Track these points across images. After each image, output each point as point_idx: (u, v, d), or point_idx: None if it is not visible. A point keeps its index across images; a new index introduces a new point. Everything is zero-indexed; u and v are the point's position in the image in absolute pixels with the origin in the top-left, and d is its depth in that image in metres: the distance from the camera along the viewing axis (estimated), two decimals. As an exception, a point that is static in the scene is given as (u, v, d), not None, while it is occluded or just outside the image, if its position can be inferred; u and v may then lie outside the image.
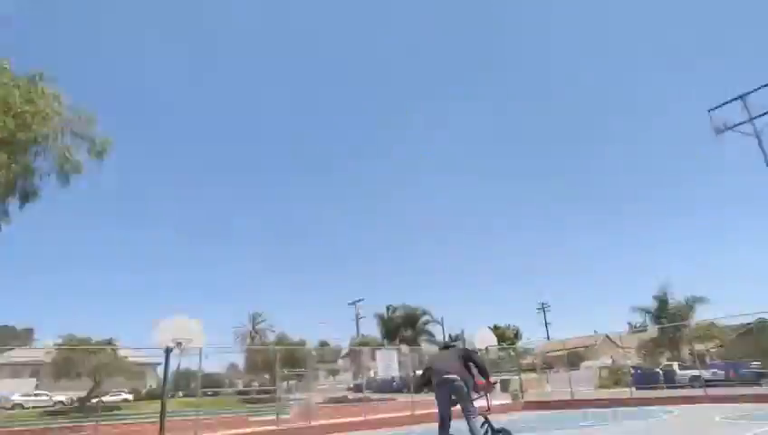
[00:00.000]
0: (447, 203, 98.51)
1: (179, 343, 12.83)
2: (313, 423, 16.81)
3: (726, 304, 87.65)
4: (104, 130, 13.99)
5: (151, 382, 39.04)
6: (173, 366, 36.76)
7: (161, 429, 12.00)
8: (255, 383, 38.01)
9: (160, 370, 13.95)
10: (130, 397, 33.35)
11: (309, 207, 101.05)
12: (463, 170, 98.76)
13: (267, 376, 32.97)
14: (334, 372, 44.71)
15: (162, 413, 12.27)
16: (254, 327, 57.82)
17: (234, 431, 15.45)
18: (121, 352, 27.86)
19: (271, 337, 52.71)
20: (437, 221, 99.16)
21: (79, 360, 25.18)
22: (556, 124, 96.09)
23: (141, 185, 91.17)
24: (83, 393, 27.61)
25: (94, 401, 22.18)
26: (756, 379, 24.71)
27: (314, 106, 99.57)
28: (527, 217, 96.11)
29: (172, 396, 31.10)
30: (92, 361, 25.29)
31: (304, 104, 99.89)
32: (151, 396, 30.97)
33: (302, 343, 42.75)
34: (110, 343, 28.13)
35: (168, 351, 12.71)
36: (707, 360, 30.61)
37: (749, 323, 30.22)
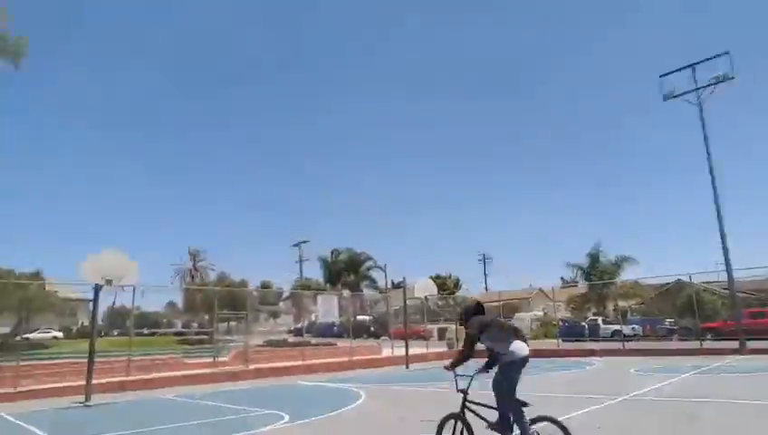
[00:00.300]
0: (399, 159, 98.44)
1: (109, 281, 12.05)
2: (251, 367, 16.83)
3: (652, 264, 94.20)
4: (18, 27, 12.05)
5: (84, 320, 37.58)
6: (109, 303, 35.61)
7: (89, 370, 11.44)
8: (194, 324, 37.49)
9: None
10: (61, 335, 32.07)
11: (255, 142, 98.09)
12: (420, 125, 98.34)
13: (207, 317, 32.55)
14: (275, 315, 44.79)
15: (91, 353, 11.66)
16: (194, 265, 56.16)
17: (168, 374, 15.19)
18: (52, 287, 26.37)
19: (212, 276, 51.64)
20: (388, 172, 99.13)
21: (1, 293, 23.60)
22: (501, 78, 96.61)
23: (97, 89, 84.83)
24: (7, 330, 26.18)
25: (18, 339, 21.00)
26: (669, 335, 27.07)
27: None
28: (474, 178, 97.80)
29: (106, 335, 30.09)
30: (17, 295, 23.68)
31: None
32: (83, 335, 29.66)
33: (244, 284, 42.12)
34: (37, 275, 26.60)
35: (97, 288, 11.97)
36: (629, 316, 32.91)
37: (668, 284, 32.49)
